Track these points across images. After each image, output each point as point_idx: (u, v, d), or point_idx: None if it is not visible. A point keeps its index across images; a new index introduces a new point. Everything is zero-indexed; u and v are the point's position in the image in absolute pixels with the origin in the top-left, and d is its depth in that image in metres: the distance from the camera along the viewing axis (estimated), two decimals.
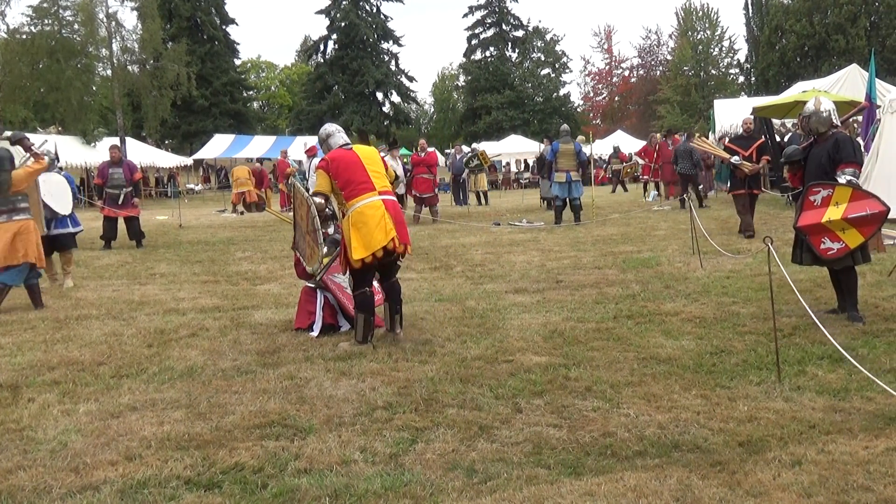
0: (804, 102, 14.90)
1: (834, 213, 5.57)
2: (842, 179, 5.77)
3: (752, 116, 12.13)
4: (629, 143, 39.53)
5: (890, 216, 5.91)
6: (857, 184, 5.75)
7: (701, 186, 17.92)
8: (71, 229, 9.34)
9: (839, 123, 6.22)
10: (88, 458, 3.68)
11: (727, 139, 14.29)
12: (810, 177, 6.08)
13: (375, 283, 5.95)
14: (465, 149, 23.38)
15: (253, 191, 21.93)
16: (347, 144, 5.91)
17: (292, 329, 6.30)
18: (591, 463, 3.48)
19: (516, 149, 38.35)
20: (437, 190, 16.55)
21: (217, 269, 10.14)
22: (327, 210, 6.06)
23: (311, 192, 5.86)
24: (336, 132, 6.06)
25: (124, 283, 9.30)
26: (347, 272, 5.81)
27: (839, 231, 5.56)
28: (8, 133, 8.75)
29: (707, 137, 23.85)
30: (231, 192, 23.47)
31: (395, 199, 5.80)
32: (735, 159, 10.81)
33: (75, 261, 9.69)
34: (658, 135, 21.31)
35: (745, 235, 10.94)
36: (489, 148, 30.58)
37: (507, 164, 37.96)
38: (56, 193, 9.24)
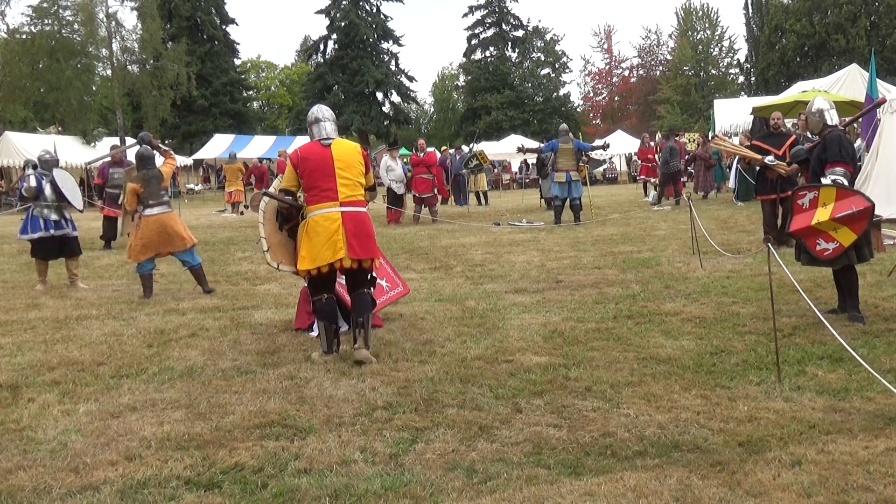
0: (804, 102, 14.96)
1: (822, 214, 5.59)
2: (826, 180, 5.82)
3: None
4: (629, 144, 39.54)
5: (890, 216, 5.92)
6: (841, 182, 5.77)
7: (687, 183, 18.05)
8: (75, 232, 9.32)
9: (835, 123, 6.21)
10: (88, 458, 3.68)
11: (747, 137, 14.20)
12: (812, 176, 6.22)
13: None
14: (465, 149, 23.36)
15: (239, 190, 21.66)
16: (327, 140, 5.45)
17: (292, 329, 6.30)
18: (591, 463, 3.48)
19: (515, 149, 38.26)
20: (436, 190, 16.55)
21: (217, 269, 10.14)
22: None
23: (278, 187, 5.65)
24: (322, 120, 5.54)
25: (124, 283, 9.31)
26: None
27: (831, 231, 5.57)
28: (140, 134, 9.17)
29: (707, 137, 23.89)
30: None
31: (360, 210, 5.38)
32: (769, 159, 9.46)
33: (80, 261, 9.67)
34: (653, 135, 21.35)
35: (764, 240, 9.84)
36: (488, 148, 30.60)
37: (507, 164, 37.94)
38: (70, 189, 9.27)
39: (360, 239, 5.27)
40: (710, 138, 23.12)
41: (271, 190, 5.87)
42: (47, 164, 9.27)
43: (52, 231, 8.97)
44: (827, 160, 5.94)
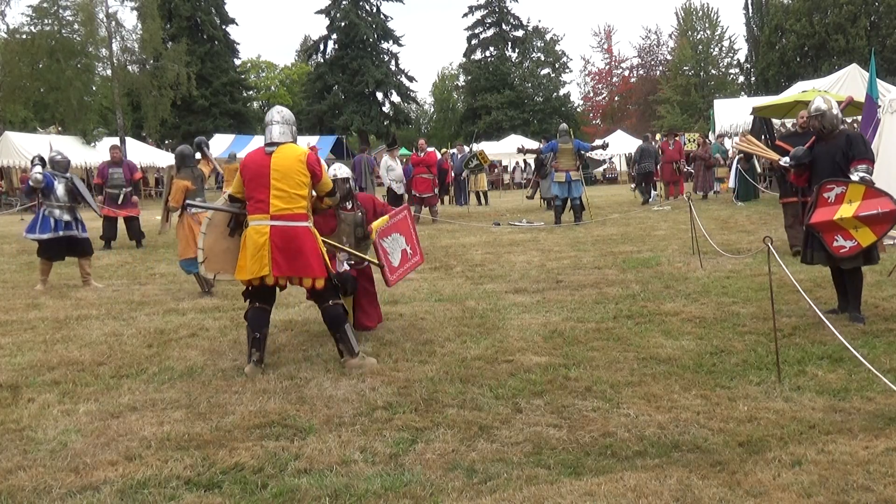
0: (804, 102, 14.94)
1: (846, 211, 5.53)
2: (855, 177, 5.71)
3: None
4: (630, 144, 39.51)
5: None
6: (871, 181, 5.69)
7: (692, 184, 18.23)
8: (85, 233, 9.26)
9: (846, 120, 6.25)
10: (88, 458, 3.68)
11: (772, 137, 14.03)
12: (821, 175, 5.97)
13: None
14: (466, 148, 23.35)
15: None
16: (271, 147, 5.13)
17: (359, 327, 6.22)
18: (591, 463, 3.48)
19: (515, 149, 38.25)
20: (436, 189, 16.56)
21: None
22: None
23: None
24: (270, 124, 5.20)
25: (124, 283, 9.31)
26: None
27: (851, 229, 5.51)
28: (197, 139, 9.32)
29: (708, 137, 23.91)
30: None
31: (293, 224, 5.02)
32: (785, 160, 8.66)
33: (77, 261, 9.66)
34: (654, 135, 21.43)
35: (792, 252, 8.90)
36: (488, 148, 30.58)
37: (505, 165, 37.92)
38: (85, 192, 9.30)
39: (287, 255, 4.97)
40: (713, 138, 23.18)
41: (220, 199, 5.67)
42: (59, 166, 9.21)
43: (60, 232, 8.92)
44: (854, 157, 5.82)
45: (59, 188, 9.00)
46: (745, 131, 18.43)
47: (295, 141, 5.30)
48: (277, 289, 5.30)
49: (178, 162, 8.74)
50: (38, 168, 9.05)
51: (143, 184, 27.53)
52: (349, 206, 6.08)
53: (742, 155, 17.03)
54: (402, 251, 6.06)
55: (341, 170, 6.16)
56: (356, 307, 6.12)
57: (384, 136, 50.16)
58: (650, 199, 19.13)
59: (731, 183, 18.20)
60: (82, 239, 9.13)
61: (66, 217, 8.98)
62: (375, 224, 5.87)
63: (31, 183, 9.08)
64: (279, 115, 5.24)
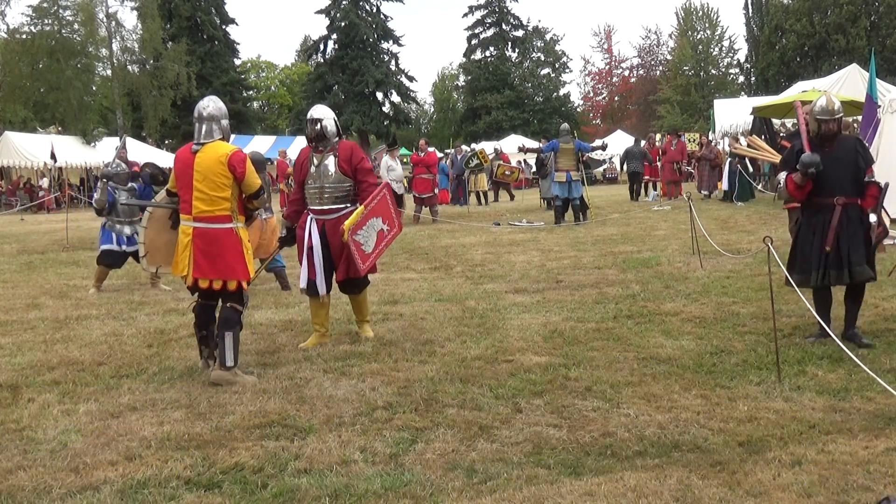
0: (804, 102, 14.90)
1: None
2: (882, 182, 5.51)
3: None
4: (630, 144, 39.43)
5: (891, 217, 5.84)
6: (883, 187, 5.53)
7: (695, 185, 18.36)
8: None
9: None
10: (88, 458, 3.68)
11: (772, 137, 13.96)
12: (838, 183, 5.31)
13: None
14: (465, 148, 23.34)
15: None
16: (197, 145, 4.95)
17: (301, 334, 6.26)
18: (591, 463, 3.48)
19: (516, 149, 38.23)
20: (436, 189, 16.56)
21: None
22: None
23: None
24: (198, 121, 4.98)
25: (124, 283, 9.30)
26: None
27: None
28: (251, 153, 9.10)
29: (708, 137, 23.89)
30: None
31: (215, 227, 4.90)
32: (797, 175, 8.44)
33: (79, 261, 9.63)
34: (657, 135, 21.54)
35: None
36: (488, 148, 30.57)
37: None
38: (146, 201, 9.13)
39: (210, 258, 4.88)
40: (715, 137, 23.16)
41: (160, 194, 5.51)
42: (119, 178, 8.96)
43: (123, 247, 8.74)
44: (868, 163, 5.49)
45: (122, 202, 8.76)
46: (746, 131, 18.44)
47: (225, 137, 5.07)
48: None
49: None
50: (100, 192, 8.84)
51: None
52: (320, 148, 5.76)
53: (735, 158, 17.15)
54: (378, 232, 5.68)
55: (316, 110, 5.89)
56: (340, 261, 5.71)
57: (384, 137, 50.17)
58: (650, 199, 19.16)
59: (725, 185, 18.27)
60: None
61: (128, 231, 8.77)
62: (347, 223, 5.39)
63: (94, 204, 8.93)
64: (206, 111, 4.99)
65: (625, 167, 21.13)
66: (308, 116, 5.81)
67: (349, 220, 5.43)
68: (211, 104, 5.04)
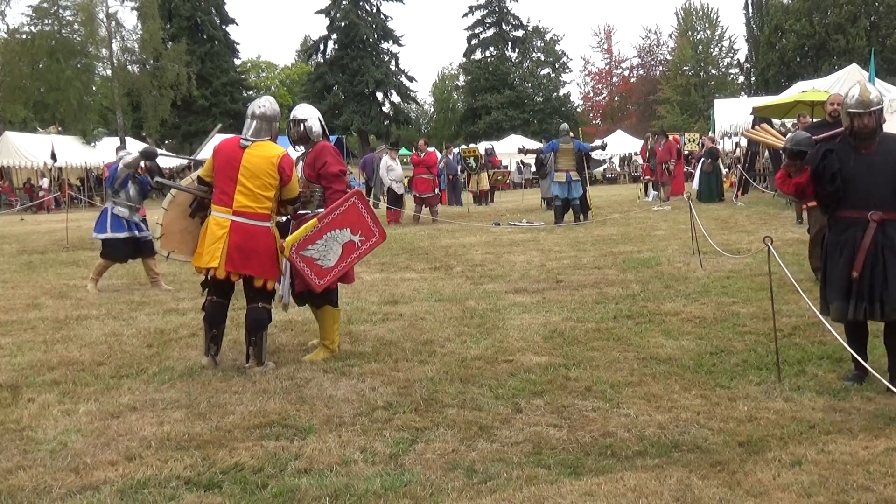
0: (804, 102, 14.94)
1: None
2: None
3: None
4: (630, 144, 39.48)
5: None
6: None
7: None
8: (150, 234, 8.74)
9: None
10: (88, 458, 3.68)
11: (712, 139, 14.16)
12: (875, 193, 4.28)
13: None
14: (455, 151, 23.19)
15: None
16: (246, 141, 5.04)
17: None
18: (591, 463, 3.48)
19: (516, 149, 38.16)
20: (437, 190, 16.57)
21: None
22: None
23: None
24: (250, 119, 5.08)
25: (124, 283, 9.30)
26: None
27: None
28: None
29: (708, 136, 23.90)
30: None
31: (255, 224, 4.94)
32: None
33: (79, 261, 9.60)
34: (653, 134, 21.55)
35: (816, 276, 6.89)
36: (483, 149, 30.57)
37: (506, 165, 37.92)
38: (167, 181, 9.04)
39: (244, 253, 4.91)
40: (718, 137, 23.20)
41: (188, 179, 5.56)
42: (131, 166, 8.76)
43: (135, 232, 8.67)
44: None
45: (132, 189, 8.74)
46: (746, 130, 18.52)
47: (274, 139, 5.17)
48: (233, 283, 5.17)
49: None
50: (130, 158, 8.63)
51: None
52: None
53: (709, 159, 17.50)
54: (344, 244, 5.24)
55: (300, 110, 5.68)
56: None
57: (384, 137, 50.18)
58: (649, 199, 19.17)
59: (695, 184, 18.48)
60: (148, 239, 8.69)
61: (136, 218, 8.76)
62: (290, 239, 5.03)
63: (123, 165, 8.56)
64: (259, 110, 5.11)
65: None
66: (291, 116, 5.57)
67: (292, 236, 5.06)
68: (267, 104, 5.16)
